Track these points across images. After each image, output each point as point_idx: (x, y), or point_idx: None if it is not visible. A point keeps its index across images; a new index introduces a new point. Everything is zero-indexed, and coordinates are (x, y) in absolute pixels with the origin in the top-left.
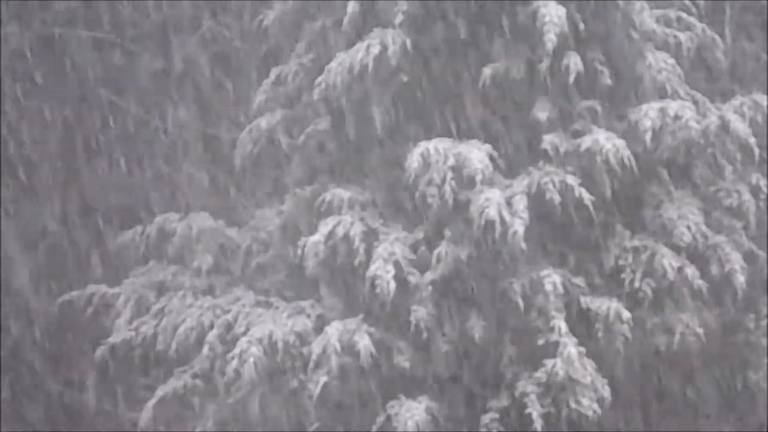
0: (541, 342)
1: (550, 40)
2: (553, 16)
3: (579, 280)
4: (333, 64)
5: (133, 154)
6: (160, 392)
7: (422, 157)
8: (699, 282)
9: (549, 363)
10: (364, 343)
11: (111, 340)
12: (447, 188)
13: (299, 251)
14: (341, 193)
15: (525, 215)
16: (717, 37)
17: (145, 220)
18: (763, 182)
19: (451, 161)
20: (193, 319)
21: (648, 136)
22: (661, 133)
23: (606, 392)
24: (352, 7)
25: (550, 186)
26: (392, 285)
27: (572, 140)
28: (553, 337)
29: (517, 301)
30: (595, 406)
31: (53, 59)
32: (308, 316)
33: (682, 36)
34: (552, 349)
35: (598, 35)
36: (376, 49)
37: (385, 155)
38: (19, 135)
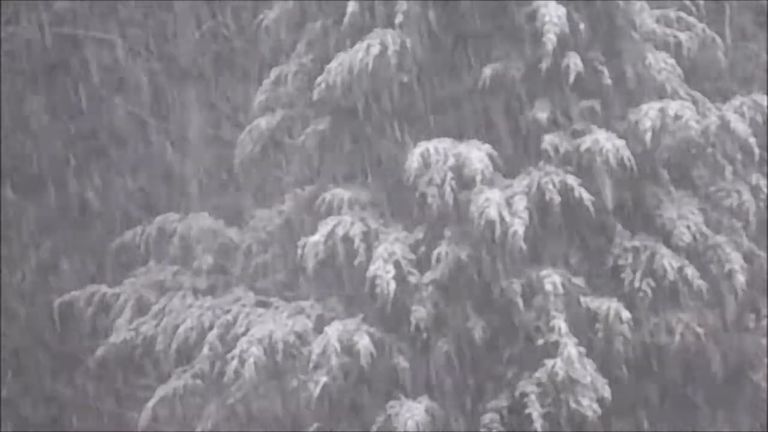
0: (541, 342)
1: (550, 40)
2: (553, 16)
3: (579, 280)
4: (333, 64)
5: (133, 154)
6: (160, 392)
7: (422, 157)
8: (699, 282)
9: (549, 363)
10: (364, 343)
11: (111, 340)
12: (447, 188)
13: (299, 251)
14: (341, 193)
15: (525, 215)
16: (717, 37)
17: (145, 220)
18: (763, 182)
19: (451, 161)
20: (193, 319)
21: (648, 136)
22: (661, 133)
23: (606, 392)
24: (352, 7)
25: (550, 186)
26: (392, 285)
27: (572, 140)
28: (553, 337)
29: (517, 301)
30: (595, 406)
31: (53, 59)
32: (308, 316)
33: (682, 36)
34: (552, 349)
35: (598, 35)
36: (376, 49)
37: (385, 155)
38: (19, 135)
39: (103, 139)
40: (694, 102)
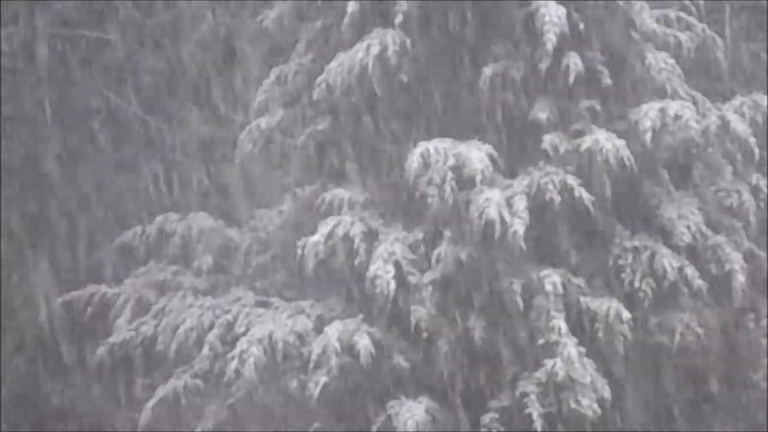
0: (541, 342)
1: (550, 40)
2: (553, 16)
3: (579, 280)
4: (333, 64)
5: (133, 154)
6: (160, 392)
7: (422, 157)
8: (699, 282)
9: (549, 363)
10: (364, 343)
11: (111, 340)
12: (447, 188)
13: (299, 251)
14: (341, 193)
15: (525, 215)
16: (717, 37)
17: (145, 220)
18: (763, 182)
19: (451, 161)
20: (193, 319)
21: (648, 136)
22: (661, 133)
23: (606, 392)
24: (352, 7)
25: (550, 186)
26: (392, 285)
27: (572, 140)
28: (553, 337)
29: (517, 301)
30: (595, 406)
31: (53, 59)
32: (308, 316)
33: (682, 36)
34: (552, 349)
35: (598, 35)
36: (376, 49)
37: (385, 155)
38: (20, 135)
39: (103, 138)
40: (694, 102)
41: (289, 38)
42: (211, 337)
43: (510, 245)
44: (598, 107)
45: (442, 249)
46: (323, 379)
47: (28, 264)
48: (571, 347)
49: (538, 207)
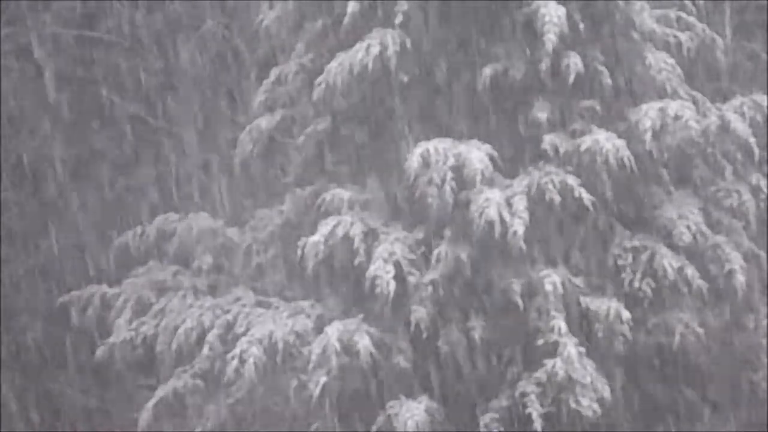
0: (541, 342)
1: (550, 40)
2: (553, 16)
3: (579, 280)
4: (333, 64)
5: (133, 154)
6: (160, 392)
7: (422, 157)
8: (699, 282)
9: (549, 363)
10: (364, 343)
11: (111, 340)
12: (447, 188)
13: (299, 251)
14: (341, 193)
15: (525, 215)
16: (717, 37)
17: (145, 220)
18: (763, 182)
19: (451, 161)
20: (193, 319)
21: (648, 136)
22: (661, 133)
23: (606, 392)
24: (352, 7)
25: (550, 186)
26: (392, 285)
27: (572, 140)
28: (553, 337)
29: (517, 301)
30: (595, 406)
31: (54, 59)
32: (308, 316)
33: (682, 36)
34: (552, 349)
35: (598, 35)
36: (376, 49)
37: (385, 155)
38: (20, 135)
39: (103, 138)
40: (694, 102)
41: (289, 38)
42: (211, 337)
43: (510, 245)
44: (598, 107)
45: (442, 249)
46: (323, 379)
47: (28, 264)
48: (571, 347)
49: (538, 207)
